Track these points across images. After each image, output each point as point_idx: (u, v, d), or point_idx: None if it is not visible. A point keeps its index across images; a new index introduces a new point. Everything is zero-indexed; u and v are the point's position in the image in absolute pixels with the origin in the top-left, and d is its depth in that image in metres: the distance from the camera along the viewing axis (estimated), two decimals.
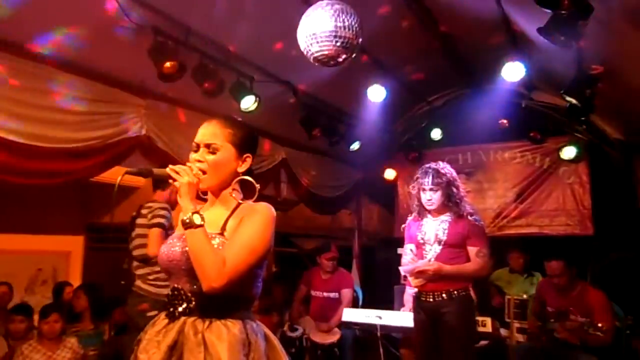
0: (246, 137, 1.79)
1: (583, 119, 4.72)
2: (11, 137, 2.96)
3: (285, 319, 5.31)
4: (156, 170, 1.71)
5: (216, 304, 1.60)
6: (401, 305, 4.52)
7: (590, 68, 3.62)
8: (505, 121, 5.90)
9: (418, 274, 3.28)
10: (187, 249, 1.61)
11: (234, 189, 1.76)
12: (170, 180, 1.66)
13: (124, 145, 3.64)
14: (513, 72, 5.06)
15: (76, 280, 5.09)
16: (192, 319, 1.59)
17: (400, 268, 3.50)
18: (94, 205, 5.45)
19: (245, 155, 1.77)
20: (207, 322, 1.59)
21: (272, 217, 1.69)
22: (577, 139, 5.75)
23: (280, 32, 3.79)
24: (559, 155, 5.89)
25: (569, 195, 5.96)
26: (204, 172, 1.70)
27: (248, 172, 1.80)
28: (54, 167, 3.29)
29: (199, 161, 1.70)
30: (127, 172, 1.66)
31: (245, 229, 1.63)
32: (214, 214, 1.75)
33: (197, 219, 1.57)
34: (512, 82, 5.29)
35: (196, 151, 1.73)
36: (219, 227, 1.68)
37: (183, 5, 3.32)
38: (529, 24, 3.81)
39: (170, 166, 1.67)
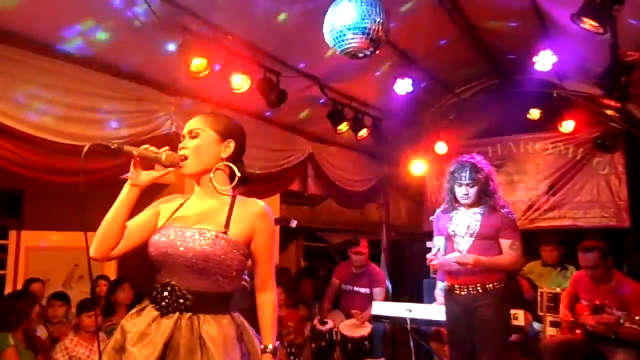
0: (229, 124, 1.83)
1: (619, 108, 4.57)
2: (44, 136, 3.06)
3: (314, 312, 5.33)
4: (127, 148, 1.73)
5: (210, 302, 1.66)
6: (432, 299, 4.47)
7: (626, 55, 3.49)
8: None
9: (455, 265, 3.20)
10: (192, 246, 1.64)
11: (215, 171, 1.77)
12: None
13: (155, 143, 3.66)
14: (544, 61, 4.94)
15: (112, 276, 5.22)
16: (187, 315, 1.62)
17: (436, 260, 3.31)
18: None
19: (228, 141, 1.80)
20: (202, 318, 1.63)
21: (273, 221, 1.83)
22: (613, 128, 5.58)
23: (306, 26, 3.79)
24: (593, 146, 5.72)
25: (604, 187, 5.80)
26: (186, 158, 1.75)
27: (236, 160, 1.81)
28: (86, 165, 3.35)
29: (183, 149, 1.78)
30: (95, 145, 1.69)
31: (267, 247, 1.78)
32: (204, 206, 1.76)
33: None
34: (543, 71, 5.16)
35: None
36: (220, 224, 1.69)
37: (210, 3, 3.35)
38: (560, 10, 3.71)
39: (144, 147, 1.76)
